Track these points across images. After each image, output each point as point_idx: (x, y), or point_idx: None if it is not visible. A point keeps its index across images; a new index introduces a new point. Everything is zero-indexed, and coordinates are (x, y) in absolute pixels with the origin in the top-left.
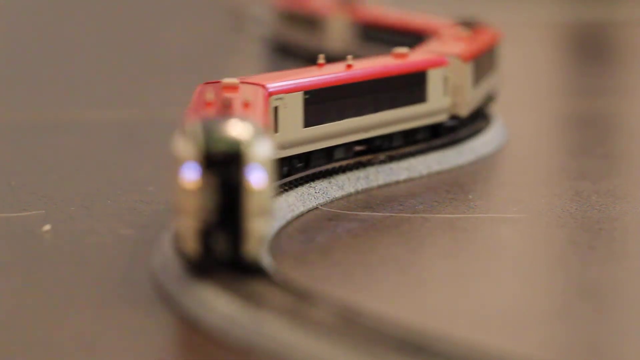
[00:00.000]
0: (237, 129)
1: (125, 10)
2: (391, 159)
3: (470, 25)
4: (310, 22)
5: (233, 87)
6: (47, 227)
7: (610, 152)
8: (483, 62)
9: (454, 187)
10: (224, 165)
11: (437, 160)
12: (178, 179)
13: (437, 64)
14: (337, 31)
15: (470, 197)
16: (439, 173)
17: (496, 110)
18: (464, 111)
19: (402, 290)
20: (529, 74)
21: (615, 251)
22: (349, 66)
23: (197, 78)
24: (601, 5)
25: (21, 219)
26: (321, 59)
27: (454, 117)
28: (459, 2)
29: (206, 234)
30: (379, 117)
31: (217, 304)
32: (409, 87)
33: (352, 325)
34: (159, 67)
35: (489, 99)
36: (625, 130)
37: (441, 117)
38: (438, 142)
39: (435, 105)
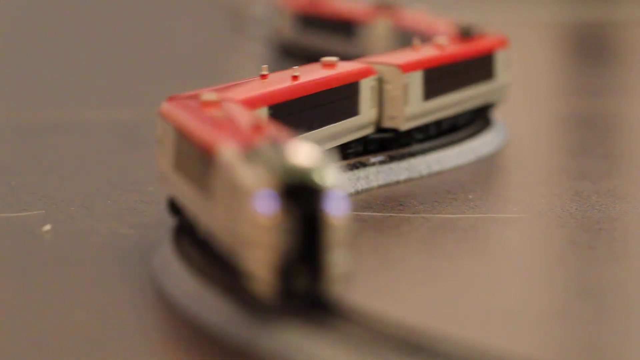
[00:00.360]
0: (309, 155)
1: (125, 10)
2: (391, 159)
3: (467, 32)
4: (342, 27)
5: (213, 104)
6: (47, 227)
7: (610, 152)
8: (451, 71)
9: (454, 187)
10: (305, 195)
11: (437, 160)
12: (247, 212)
13: (366, 73)
14: (378, 37)
15: (471, 197)
16: (439, 173)
17: (496, 110)
18: (404, 125)
19: (402, 290)
20: (529, 74)
21: (615, 251)
22: (295, 77)
23: (197, 78)
24: (601, 5)
25: (21, 219)
26: (264, 70)
27: (389, 130)
28: (478, 3)
29: (286, 272)
30: (326, 131)
31: (217, 305)
32: (345, 98)
33: (351, 325)
34: (159, 67)
35: (482, 107)
36: (625, 130)
37: (368, 130)
38: (438, 142)
39: (366, 117)
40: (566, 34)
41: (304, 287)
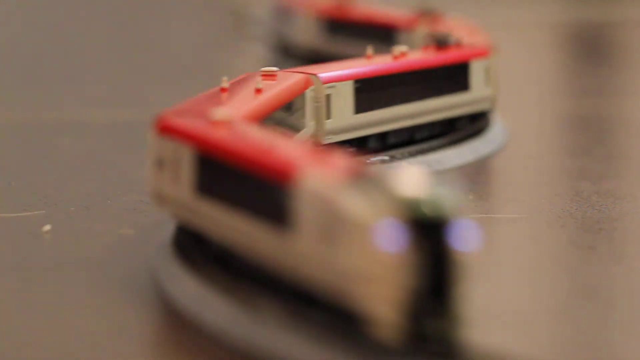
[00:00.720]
0: (428, 184)
1: (125, 10)
2: (391, 159)
3: (443, 41)
4: (379, 33)
5: (224, 123)
6: (47, 227)
7: (610, 152)
8: (401, 82)
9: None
10: (431, 227)
11: (438, 160)
12: (368, 247)
13: (308, 83)
14: (419, 45)
15: (470, 197)
16: (439, 173)
17: (496, 110)
18: (324, 139)
19: None
20: (530, 74)
21: (615, 251)
22: (259, 90)
23: (197, 79)
24: (601, 5)
25: (21, 219)
26: (225, 82)
27: None
28: (478, 3)
29: (416, 314)
30: None
31: (217, 305)
32: (298, 110)
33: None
34: (159, 67)
35: (455, 120)
36: (625, 130)
37: None
38: (438, 142)
39: (309, 130)
40: (566, 34)
41: (434, 329)
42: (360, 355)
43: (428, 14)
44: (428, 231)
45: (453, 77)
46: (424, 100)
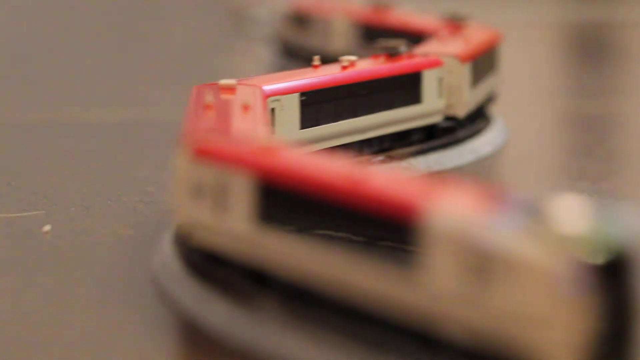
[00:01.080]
0: (595, 215)
1: (127, 11)
2: (392, 159)
3: (394, 51)
4: (414, 41)
5: (269, 149)
6: (47, 228)
7: (610, 152)
8: (349, 94)
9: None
10: (614, 267)
11: (437, 160)
12: (539, 289)
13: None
14: None
15: None
16: (439, 173)
17: (496, 110)
18: None
19: None
20: (529, 74)
21: None
22: (247, 107)
23: (197, 79)
24: (601, 5)
25: (21, 219)
26: (209, 99)
27: None
28: (478, 3)
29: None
30: None
31: (217, 305)
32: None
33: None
34: (158, 67)
35: (406, 133)
36: (625, 130)
37: None
38: (438, 142)
39: None
40: (566, 34)
41: None
42: None
43: (455, 21)
44: (608, 271)
45: (404, 88)
46: (373, 113)
